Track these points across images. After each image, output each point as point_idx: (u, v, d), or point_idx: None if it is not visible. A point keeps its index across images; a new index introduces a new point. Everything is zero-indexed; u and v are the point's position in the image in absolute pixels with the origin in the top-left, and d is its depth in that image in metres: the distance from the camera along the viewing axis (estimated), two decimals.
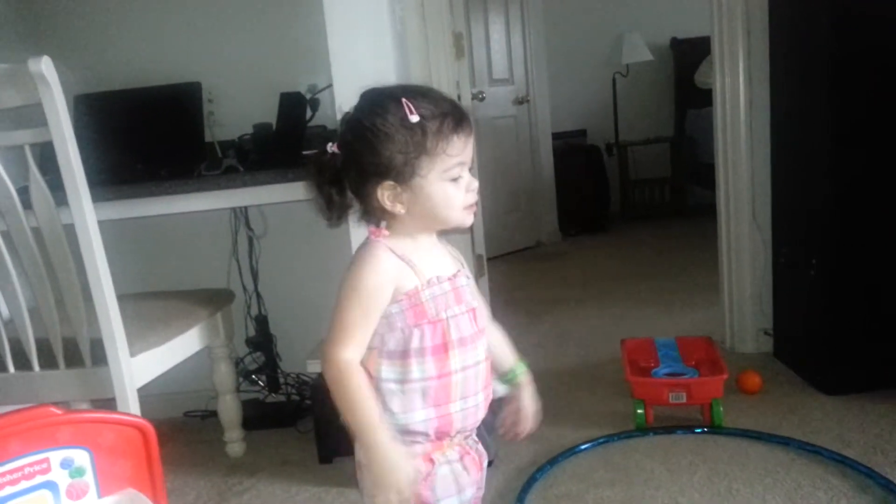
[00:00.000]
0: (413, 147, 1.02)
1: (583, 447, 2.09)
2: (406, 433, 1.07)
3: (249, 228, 2.55)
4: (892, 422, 2.07)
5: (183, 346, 1.96)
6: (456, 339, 1.08)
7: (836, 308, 2.28)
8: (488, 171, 4.39)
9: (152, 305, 2.02)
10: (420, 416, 1.07)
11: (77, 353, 1.68)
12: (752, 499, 1.78)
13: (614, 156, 5.71)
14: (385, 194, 1.04)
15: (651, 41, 5.57)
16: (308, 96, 2.31)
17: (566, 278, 4.28)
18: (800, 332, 2.50)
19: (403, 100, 1.01)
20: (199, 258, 2.58)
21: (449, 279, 1.10)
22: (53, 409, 1.13)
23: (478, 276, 2.74)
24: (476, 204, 1.09)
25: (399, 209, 1.05)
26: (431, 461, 1.09)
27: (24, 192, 1.57)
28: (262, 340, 2.58)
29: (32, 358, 1.68)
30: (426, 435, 1.08)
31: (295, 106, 2.26)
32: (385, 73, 1.86)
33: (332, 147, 1.07)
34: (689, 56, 5.54)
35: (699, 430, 2.13)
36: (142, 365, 1.75)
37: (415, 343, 1.06)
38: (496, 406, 1.21)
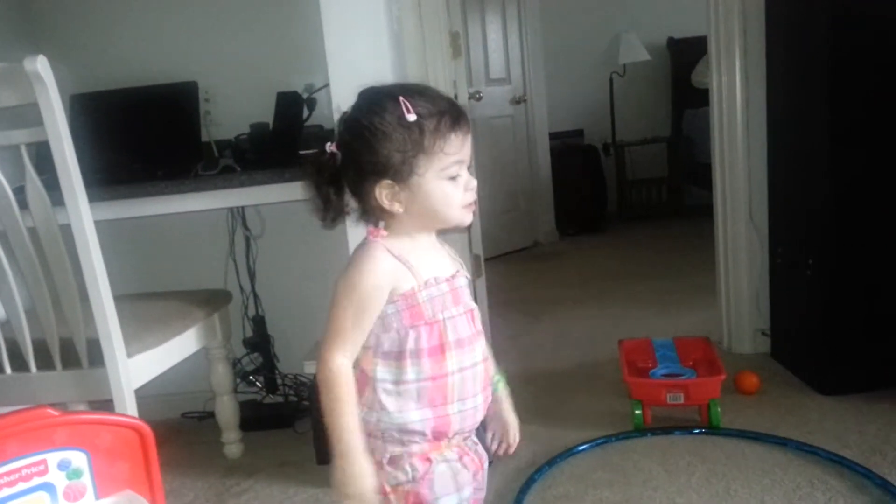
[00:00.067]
0: (411, 146, 1.01)
1: (581, 448, 2.09)
2: (403, 432, 1.07)
3: (246, 228, 2.55)
4: (890, 422, 2.08)
5: (180, 347, 1.95)
6: (453, 341, 1.07)
7: (833, 308, 2.28)
8: (485, 171, 4.39)
9: (149, 306, 2.01)
10: (416, 416, 1.07)
11: (74, 354, 1.67)
12: (750, 499, 1.78)
13: (611, 156, 5.72)
14: (383, 193, 1.04)
15: (648, 41, 5.57)
16: (305, 96, 2.30)
17: (564, 278, 4.28)
18: (797, 333, 2.50)
19: (401, 98, 1.01)
20: (196, 258, 2.58)
21: (447, 280, 1.09)
22: (50, 411, 1.12)
23: (475, 276, 2.74)
24: (475, 203, 1.09)
25: (397, 208, 1.05)
26: (429, 460, 1.09)
27: (20, 192, 1.56)
28: (260, 341, 2.57)
29: (29, 359, 1.68)
30: (423, 435, 1.08)
31: (291, 105, 2.26)
32: (382, 73, 1.85)
33: (330, 147, 1.06)
34: (685, 56, 5.55)
35: (697, 431, 2.13)
36: (139, 366, 1.74)
37: (410, 344, 1.06)
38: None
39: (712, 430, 2.12)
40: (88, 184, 1.57)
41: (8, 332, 1.68)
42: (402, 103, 1.01)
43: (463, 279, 1.13)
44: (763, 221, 2.65)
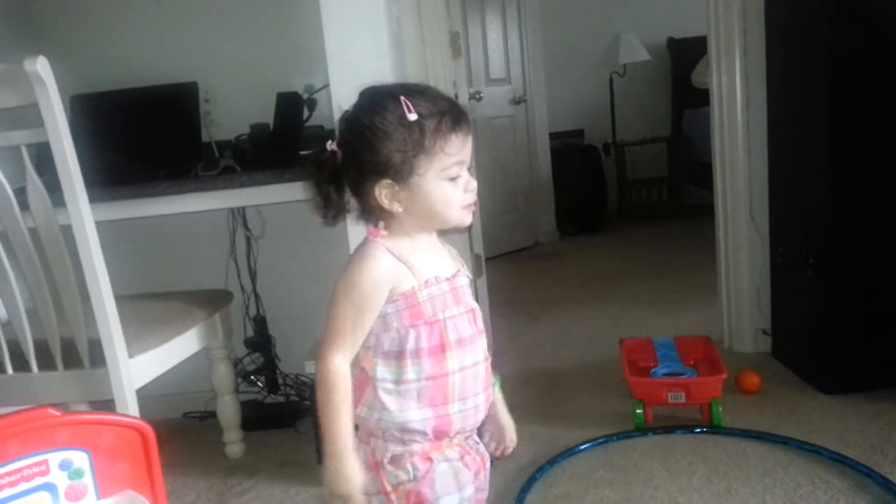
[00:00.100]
0: (411, 145, 1.01)
1: (582, 447, 2.09)
2: (404, 431, 1.07)
3: (247, 229, 2.55)
4: (891, 421, 2.08)
5: (181, 347, 1.95)
6: (454, 340, 1.07)
7: (834, 307, 2.28)
8: (486, 171, 4.39)
9: (150, 306, 2.01)
10: (416, 415, 1.07)
11: (75, 354, 1.67)
12: (751, 498, 1.78)
13: (611, 156, 5.72)
14: (383, 193, 1.04)
15: (648, 41, 5.57)
16: (305, 96, 2.30)
17: (564, 278, 4.28)
18: (798, 332, 2.50)
19: (402, 98, 1.01)
20: (197, 259, 2.58)
21: (448, 279, 1.09)
22: (52, 411, 1.12)
23: (476, 276, 2.74)
24: (474, 203, 1.09)
25: (397, 208, 1.05)
26: (430, 460, 1.09)
27: (20, 192, 1.56)
28: (261, 341, 2.57)
29: (30, 359, 1.68)
30: (424, 434, 1.08)
31: (292, 106, 2.26)
32: (382, 74, 1.85)
33: (331, 145, 1.07)
34: (685, 56, 5.55)
35: (698, 430, 2.13)
36: (140, 366, 1.74)
37: (410, 344, 1.06)
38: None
39: (713, 429, 2.12)
40: (89, 184, 1.57)
41: (9, 333, 1.68)
42: (404, 103, 1.01)
43: (464, 279, 1.13)
44: (763, 221, 2.65)
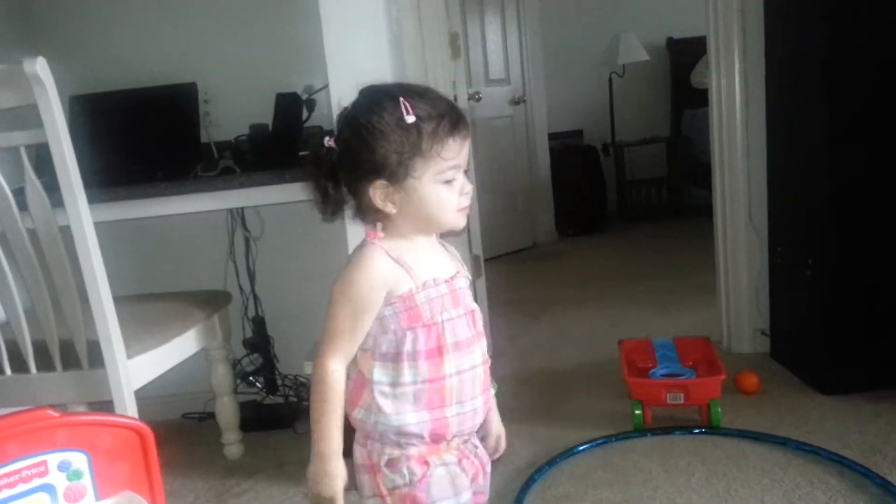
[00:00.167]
0: (408, 147, 1.01)
1: (581, 448, 2.09)
2: (401, 435, 1.07)
3: (246, 230, 2.55)
4: (890, 422, 2.08)
5: (180, 347, 1.95)
6: (451, 343, 1.07)
7: (833, 308, 2.28)
8: (485, 171, 4.39)
9: (149, 307, 2.01)
10: (413, 418, 1.06)
11: (74, 355, 1.67)
12: (750, 499, 1.78)
13: (611, 156, 5.71)
14: (377, 193, 1.04)
15: (647, 41, 5.57)
16: (304, 97, 2.30)
17: (563, 279, 4.27)
18: (797, 333, 2.50)
19: (401, 99, 1.01)
20: (196, 260, 2.58)
21: (446, 281, 1.09)
22: (50, 412, 1.12)
23: (475, 276, 2.74)
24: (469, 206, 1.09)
25: (390, 209, 1.05)
26: (426, 464, 1.08)
27: (19, 193, 1.56)
28: (260, 342, 2.57)
29: (29, 360, 1.68)
30: (421, 437, 1.07)
31: (291, 106, 2.26)
32: (381, 74, 1.85)
33: (328, 142, 1.07)
34: (685, 56, 5.55)
35: (697, 431, 2.13)
36: (139, 367, 1.74)
37: (407, 346, 1.06)
38: None
39: (712, 430, 2.12)
40: (88, 185, 1.57)
41: (8, 334, 1.68)
42: (402, 104, 1.00)
43: (463, 280, 1.12)
44: (763, 221, 2.65)
